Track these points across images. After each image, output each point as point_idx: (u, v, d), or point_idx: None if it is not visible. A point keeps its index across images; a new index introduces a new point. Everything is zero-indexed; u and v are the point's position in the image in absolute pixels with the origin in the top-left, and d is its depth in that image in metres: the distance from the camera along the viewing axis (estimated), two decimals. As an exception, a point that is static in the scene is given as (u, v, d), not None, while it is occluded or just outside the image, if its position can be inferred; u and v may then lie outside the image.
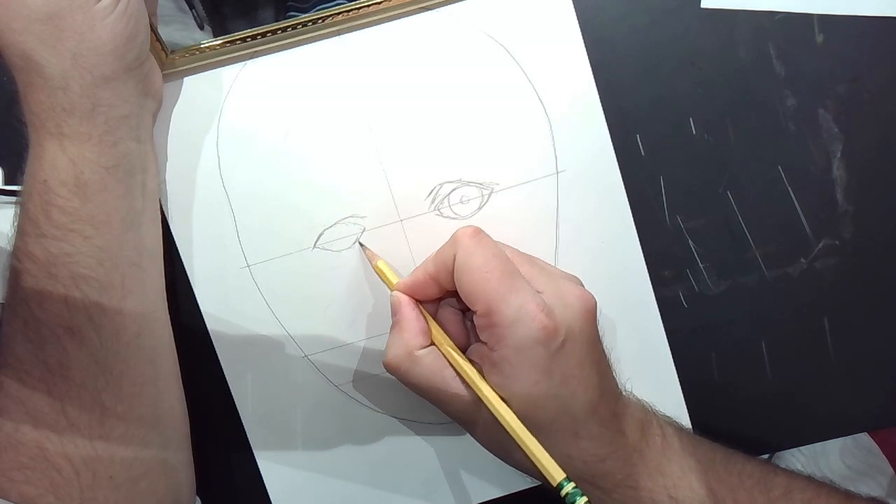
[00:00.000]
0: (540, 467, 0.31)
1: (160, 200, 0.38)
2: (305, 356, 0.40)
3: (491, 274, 0.32)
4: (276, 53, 0.38)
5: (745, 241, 0.40)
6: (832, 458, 0.57)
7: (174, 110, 0.38)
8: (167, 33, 0.37)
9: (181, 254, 0.39)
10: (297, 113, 0.38)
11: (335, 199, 0.39)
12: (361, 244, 0.39)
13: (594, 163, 0.39)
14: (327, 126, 0.39)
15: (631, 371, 0.40)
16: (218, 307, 0.40)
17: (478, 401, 0.33)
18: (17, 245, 0.33)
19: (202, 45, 0.37)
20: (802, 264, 0.41)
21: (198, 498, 0.40)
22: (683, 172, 0.40)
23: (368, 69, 0.38)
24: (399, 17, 0.38)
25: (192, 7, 0.41)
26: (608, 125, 0.39)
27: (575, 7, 0.38)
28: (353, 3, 0.37)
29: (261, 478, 0.41)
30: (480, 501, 0.42)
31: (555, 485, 0.31)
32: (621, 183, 0.39)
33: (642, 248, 0.40)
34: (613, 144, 0.39)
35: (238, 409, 0.40)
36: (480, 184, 0.39)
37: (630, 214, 0.40)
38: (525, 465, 0.33)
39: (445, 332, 0.35)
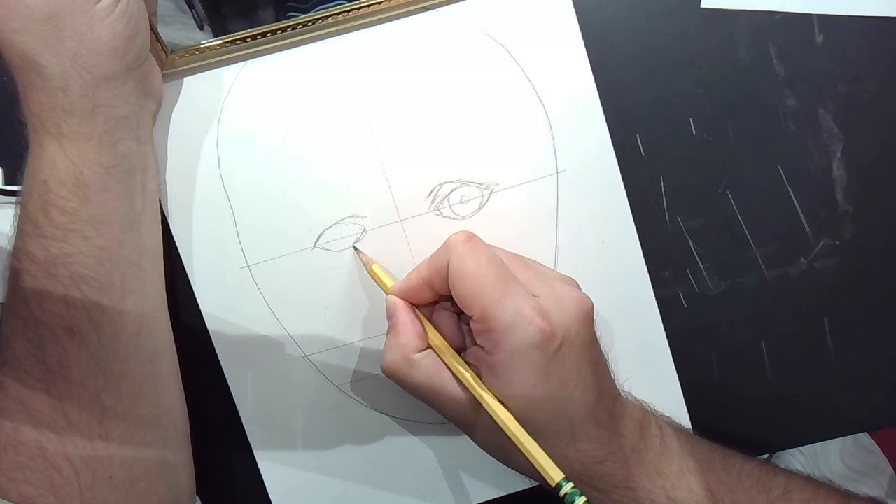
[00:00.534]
0: (539, 468, 0.31)
1: (160, 200, 0.38)
2: (305, 356, 0.40)
3: (485, 279, 0.32)
4: (276, 53, 0.38)
5: (745, 241, 0.40)
6: (832, 458, 0.57)
7: (174, 110, 0.38)
8: (167, 33, 0.37)
9: (181, 254, 0.39)
10: (297, 113, 0.38)
11: (335, 199, 0.39)
12: (356, 248, 0.39)
13: (594, 163, 0.39)
14: (327, 126, 0.39)
15: (631, 371, 0.40)
16: (218, 307, 0.40)
17: (476, 404, 0.33)
18: (16, 245, 0.33)
19: (202, 45, 0.37)
20: (802, 264, 0.41)
21: (198, 498, 0.40)
22: (683, 172, 0.40)
23: (368, 69, 0.38)
24: (399, 18, 0.38)
25: (192, 7, 0.41)
26: (608, 125, 0.39)
27: (575, 7, 0.38)
28: (353, 3, 0.37)
29: (261, 478, 0.41)
30: (480, 501, 0.42)
31: (553, 485, 0.31)
32: (621, 183, 0.39)
33: (642, 248, 0.40)
34: (613, 144, 0.39)
35: (238, 409, 0.40)
36: (480, 184, 0.39)
37: (630, 214, 0.40)
38: (524, 466, 0.33)
39: (441, 335, 0.35)
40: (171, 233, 0.39)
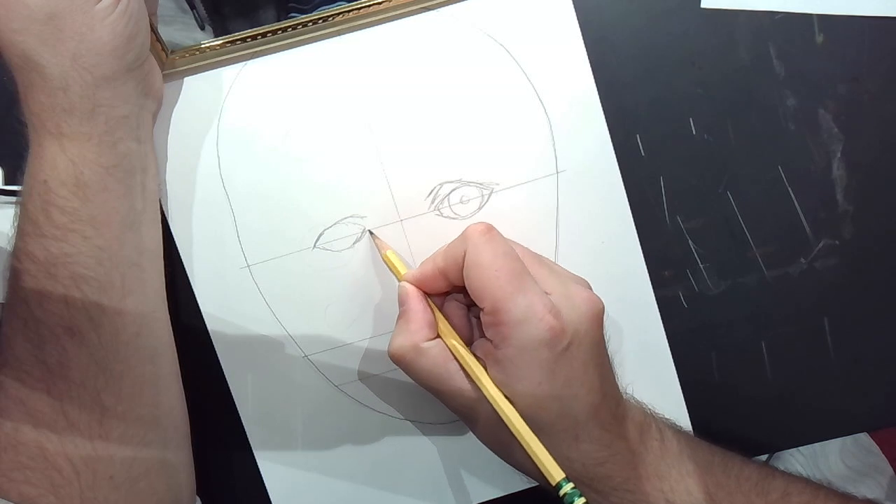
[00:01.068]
0: (540, 466, 0.31)
1: (160, 200, 0.38)
2: (305, 356, 0.40)
3: (500, 272, 0.32)
4: (277, 53, 0.38)
5: (745, 241, 0.40)
6: (832, 458, 0.57)
7: (174, 110, 0.38)
8: (167, 33, 0.37)
9: (181, 254, 0.39)
10: (297, 113, 0.38)
11: (335, 199, 0.39)
12: (371, 233, 0.39)
13: (594, 163, 0.39)
14: (327, 126, 0.39)
15: (631, 371, 0.40)
16: (218, 307, 0.40)
17: (480, 397, 0.33)
18: (17, 245, 0.33)
19: (202, 45, 0.37)
20: (802, 264, 0.41)
21: (198, 498, 0.40)
22: (683, 172, 0.40)
23: (369, 69, 0.38)
24: (399, 18, 0.38)
25: (192, 7, 0.41)
26: (608, 125, 0.39)
27: (575, 7, 0.38)
28: (353, 3, 0.37)
29: (261, 478, 0.41)
30: (480, 501, 0.42)
31: (554, 484, 0.31)
32: (621, 183, 0.39)
33: (642, 248, 0.40)
34: (613, 144, 0.39)
35: (238, 409, 0.40)
36: (480, 184, 0.39)
37: (630, 214, 0.40)
38: (524, 464, 0.33)
39: (450, 326, 0.35)
40: (171, 233, 0.39)
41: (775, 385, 0.41)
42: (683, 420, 0.41)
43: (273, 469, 0.41)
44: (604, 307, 0.34)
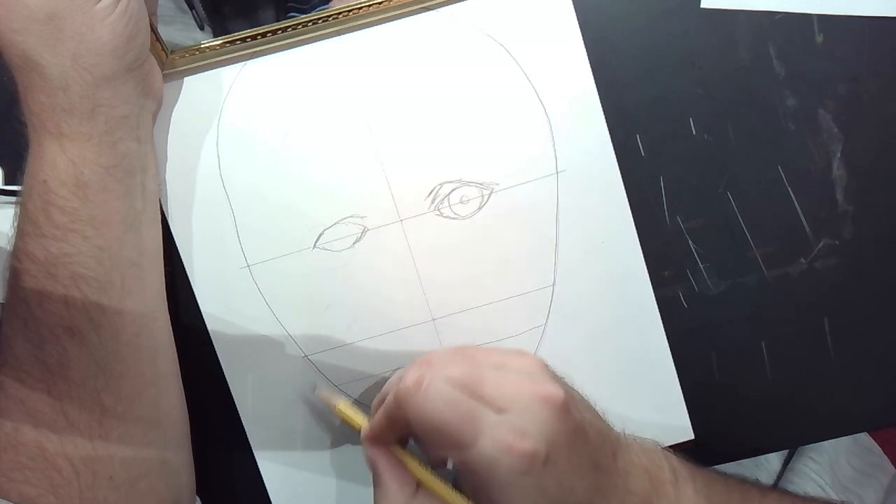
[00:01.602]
0: None
1: (160, 200, 0.38)
2: (305, 356, 0.40)
3: (451, 425, 0.29)
4: (276, 54, 0.38)
5: (745, 241, 0.40)
6: (841, 460, 0.57)
7: (174, 110, 0.38)
8: (167, 33, 0.37)
9: (181, 254, 0.39)
10: (297, 113, 0.38)
11: (335, 199, 0.39)
12: (317, 393, 0.38)
13: (594, 163, 0.39)
14: (327, 126, 0.39)
15: (631, 372, 0.40)
16: (218, 307, 0.40)
17: None
18: (17, 245, 0.33)
19: (202, 45, 0.37)
20: (802, 264, 0.41)
21: (198, 498, 0.40)
22: (683, 172, 0.40)
23: (368, 69, 0.38)
24: (399, 18, 0.38)
25: (192, 7, 0.41)
26: (608, 125, 0.39)
27: (575, 7, 0.38)
28: (353, 3, 0.37)
29: (261, 478, 0.41)
30: (480, 501, 0.42)
31: None
32: (621, 183, 0.39)
33: (642, 248, 0.40)
34: (613, 144, 0.39)
35: (238, 409, 0.40)
36: (480, 184, 0.39)
37: (630, 214, 0.40)
38: None
39: (426, 470, 0.33)
40: (171, 233, 0.39)
41: (775, 385, 0.41)
42: (683, 420, 0.41)
43: (273, 469, 0.41)
44: (554, 390, 0.30)
